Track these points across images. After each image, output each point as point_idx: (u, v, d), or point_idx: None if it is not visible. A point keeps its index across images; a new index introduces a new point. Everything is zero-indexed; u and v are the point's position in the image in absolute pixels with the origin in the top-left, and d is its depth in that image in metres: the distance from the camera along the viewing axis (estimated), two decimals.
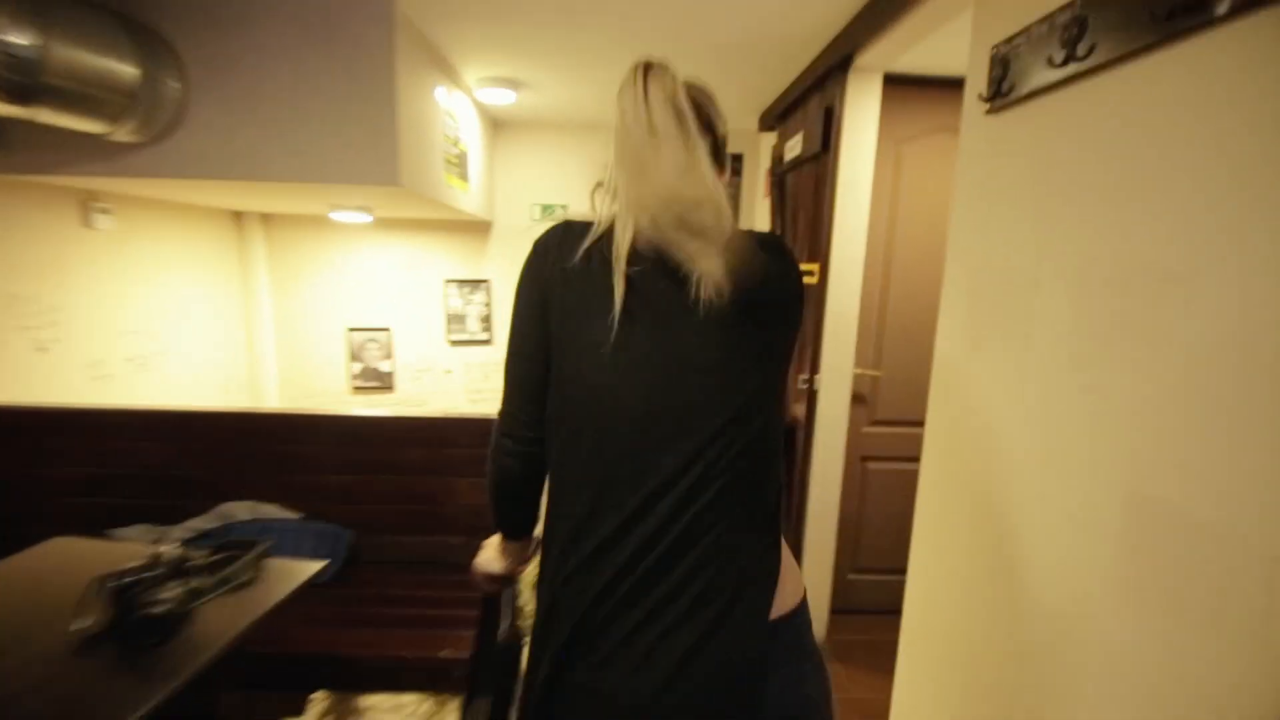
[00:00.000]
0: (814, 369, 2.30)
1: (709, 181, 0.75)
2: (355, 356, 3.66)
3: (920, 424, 1.60)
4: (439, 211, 2.95)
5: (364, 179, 1.93)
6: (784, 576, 0.79)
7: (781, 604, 0.78)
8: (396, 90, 1.90)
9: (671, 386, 0.75)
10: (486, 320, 3.61)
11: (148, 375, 2.83)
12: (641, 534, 0.73)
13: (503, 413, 0.87)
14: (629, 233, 0.76)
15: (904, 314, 2.47)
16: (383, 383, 3.67)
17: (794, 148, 2.54)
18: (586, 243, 0.79)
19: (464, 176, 2.84)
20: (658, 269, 0.75)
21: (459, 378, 3.67)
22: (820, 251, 2.26)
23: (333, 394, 3.70)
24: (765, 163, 3.30)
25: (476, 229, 3.56)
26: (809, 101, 2.44)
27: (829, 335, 2.28)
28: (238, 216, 3.46)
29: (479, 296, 3.60)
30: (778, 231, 2.80)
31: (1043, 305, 1.06)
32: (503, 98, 2.80)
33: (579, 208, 3.73)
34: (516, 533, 0.97)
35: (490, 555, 1.02)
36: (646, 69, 0.77)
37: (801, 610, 0.82)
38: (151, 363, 2.85)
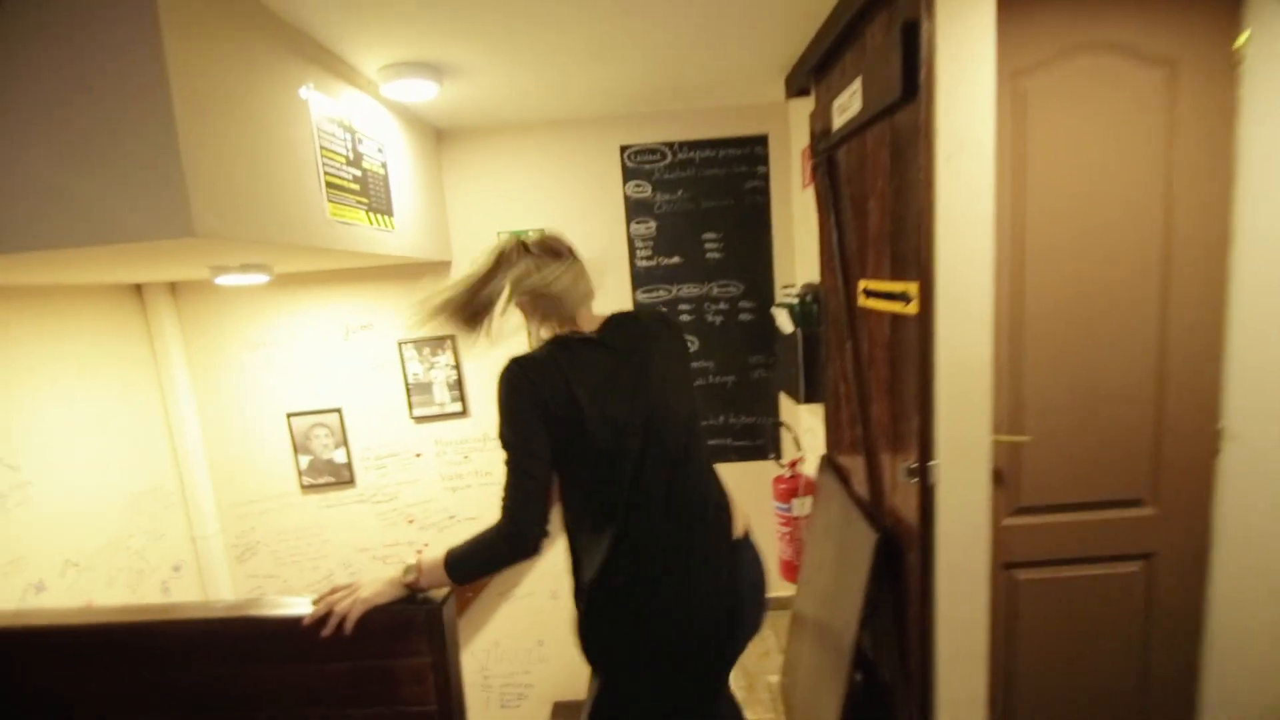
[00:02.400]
0: (924, 449, 1.43)
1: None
2: (301, 448, 2.91)
3: (1104, 505, 0.90)
4: (354, 260, 2.17)
5: (138, 233, 1.15)
6: (738, 512, 1.37)
7: (740, 527, 1.35)
8: (171, 91, 1.12)
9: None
10: (457, 387, 2.82)
11: (2, 520, 2.11)
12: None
13: (534, 509, 1.12)
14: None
15: (1054, 344, 1.57)
16: (337, 477, 2.91)
17: (848, 106, 1.68)
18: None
19: (380, 209, 2.05)
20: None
21: (431, 461, 2.89)
22: (915, 261, 1.39)
23: (280, 497, 2.95)
24: (801, 142, 2.43)
25: (431, 272, 2.78)
26: (868, 28, 1.57)
27: (945, 394, 1.40)
28: (137, 290, 2.75)
29: (443, 358, 2.81)
30: (832, 237, 1.93)
31: None
32: (422, 92, 2.01)
33: (557, 228, 2.93)
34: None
35: (386, 591, 1.15)
36: (523, 246, 1.28)
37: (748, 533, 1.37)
38: (7, 504, 2.13)
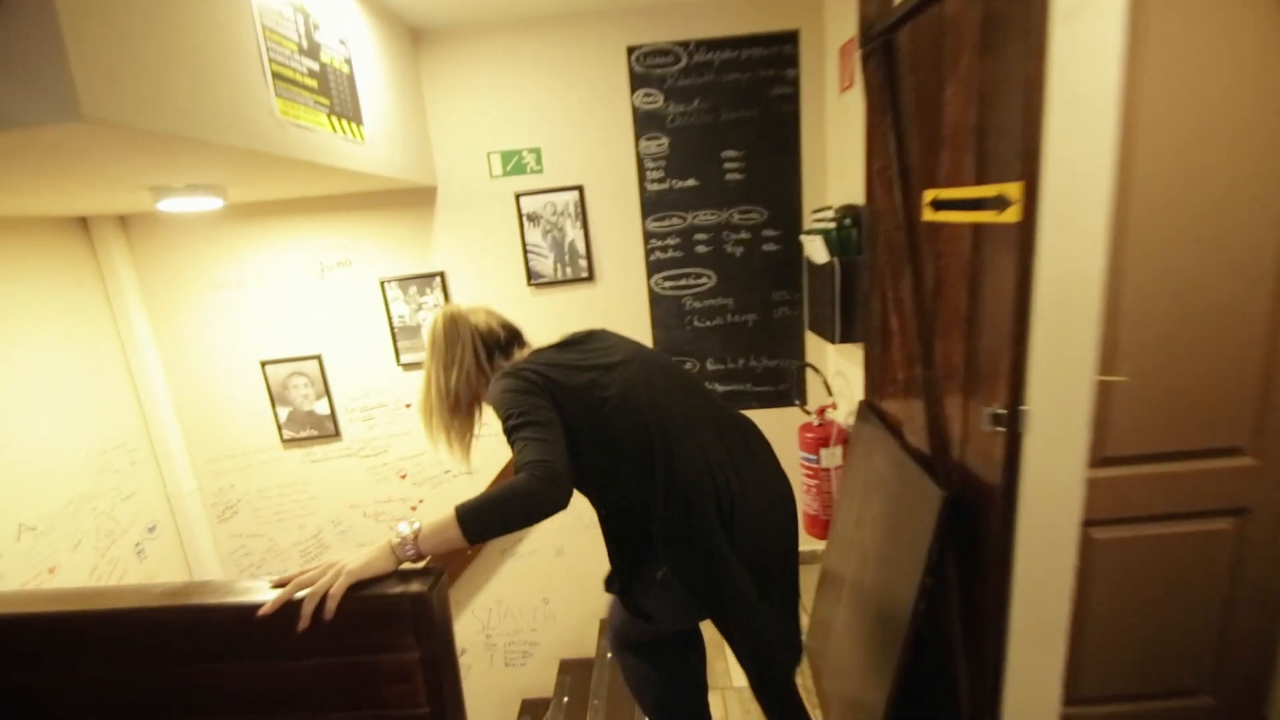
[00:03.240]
0: (1014, 390, 1.17)
1: None
2: (279, 399, 2.65)
3: (1197, 454, 1.00)
4: (319, 179, 1.85)
5: (9, 118, 0.84)
6: None
7: None
8: None
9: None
10: None
11: None
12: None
13: (556, 464, 1.04)
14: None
15: (1158, 265, 1.30)
16: (320, 430, 2.67)
17: None
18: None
19: (346, 114, 1.72)
20: None
21: None
22: (1015, 155, 1.10)
23: (260, 452, 2.71)
24: (839, 36, 2.08)
25: (414, 201, 2.46)
26: None
27: (1043, 323, 1.14)
28: (83, 224, 2.43)
29: (431, 297, 2.52)
30: (888, 141, 1.62)
31: None
32: None
33: (555, 148, 2.60)
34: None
35: (377, 561, 0.95)
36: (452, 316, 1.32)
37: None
38: None
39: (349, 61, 1.75)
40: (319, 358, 2.60)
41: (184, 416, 2.68)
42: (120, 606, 0.98)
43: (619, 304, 2.47)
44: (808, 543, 2.51)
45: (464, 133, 2.38)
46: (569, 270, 2.44)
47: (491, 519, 1.00)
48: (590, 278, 2.45)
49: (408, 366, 2.60)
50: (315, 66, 1.56)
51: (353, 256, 2.52)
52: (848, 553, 1.90)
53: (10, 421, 2.10)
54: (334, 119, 1.65)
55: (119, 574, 2.42)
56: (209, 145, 1.16)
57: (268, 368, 2.62)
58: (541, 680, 2.87)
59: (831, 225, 2.07)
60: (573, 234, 2.41)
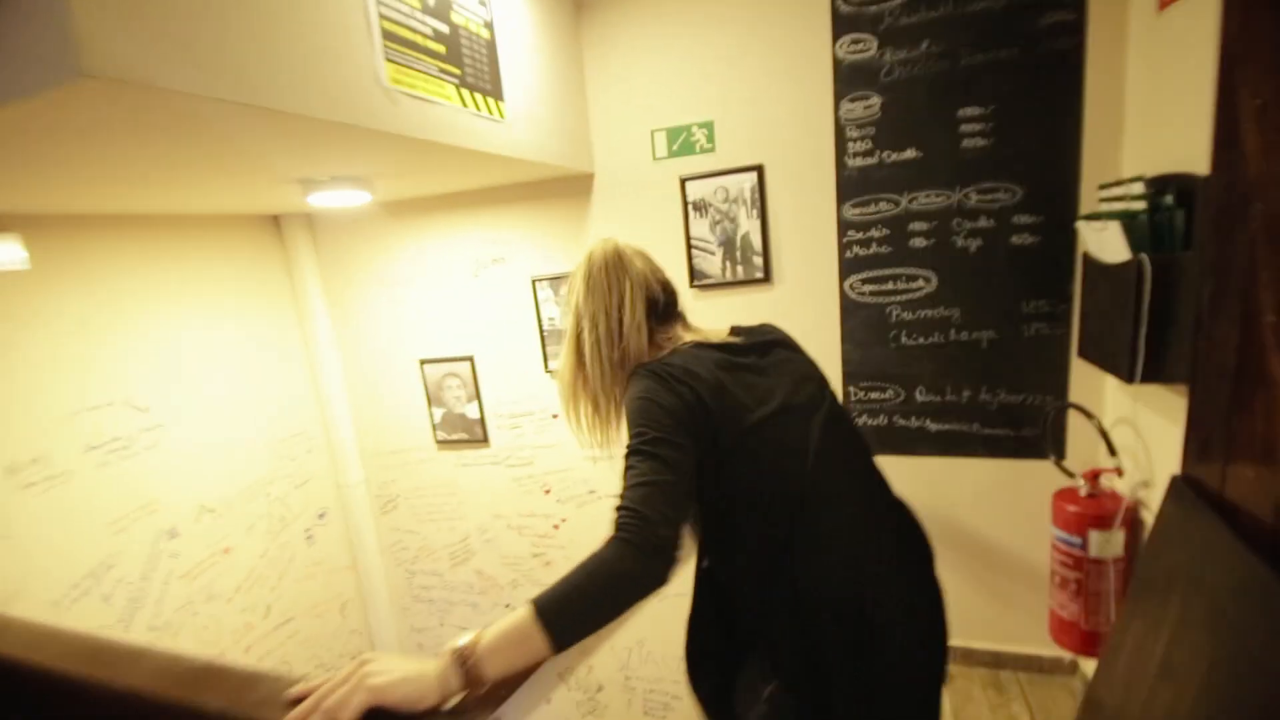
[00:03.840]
0: None
1: None
2: (435, 399, 2.58)
3: None
4: (448, 163, 1.62)
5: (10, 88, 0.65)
6: None
7: None
8: None
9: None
10: None
11: (132, 465, 2.01)
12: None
13: (659, 523, 0.79)
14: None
15: None
16: (471, 434, 2.55)
17: None
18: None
19: (481, 87, 1.46)
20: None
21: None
22: None
23: (417, 450, 2.68)
24: None
25: (570, 191, 2.19)
26: None
27: None
28: (275, 222, 2.55)
29: None
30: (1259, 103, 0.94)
31: None
32: None
33: (730, 121, 2.16)
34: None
35: (411, 681, 0.69)
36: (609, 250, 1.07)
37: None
38: (135, 447, 2.02)
39: (489, 25, 1.49)
40: (471, 359, 2.47)
41: (355, 410, 2.74)
42: (120, 685, 0.76)
43: (800, 311, 1.98)
44: (1035, 643, 1.82)
45: (625, 108, 2.06)
46: (740, 270, 2.00)
47: (576, 613, 0.75)
48: (766, 278, 1.99)
49: (556, 374, 2.36)
50: (444, 28, 1.31)
51: (506, 253, 2.33)
52: (1144, 688, 1.22)
53: (200, 407, 2.22)
54: (465, 92, 1.39)
55: (287, 558, 2.51)
56: (283, 115, 0.93)
57: (425, 366, 2.56)
58: None
59: (1138, 206, 1.38)
60: (747, 225, 1.97)
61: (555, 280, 2.27)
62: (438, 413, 2.58)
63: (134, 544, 2.01)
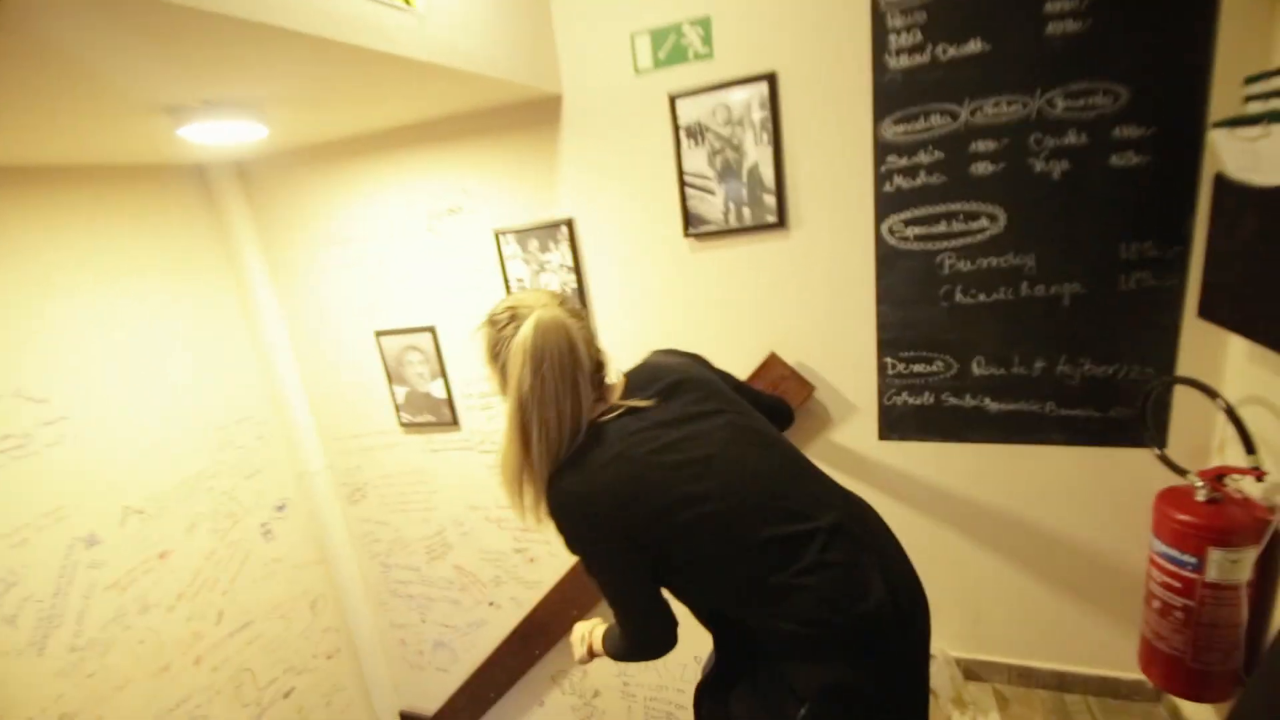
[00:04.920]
0: None
1: None
2: (396, 376, 2.23)
3: None
4: (353, 86, 1.20)
5: None
6: None
7: None
8: None
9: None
10: (578, 298, 1.86)
11: (29, 466, 1.70)
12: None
13: (657, 634, 1.08)
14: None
15: None
16: (438, 416, 2.20)
17: None
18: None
19: None
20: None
21: None
22: None
23: (382, 434, 2.35)
24: None
25: (533, 119, 1.76)
26: None
27: None
28: (200, 174, 2.16)
29: (556, 255, 1.85)
30: None
31: None
32: None
33: (732, 14, 1.68)
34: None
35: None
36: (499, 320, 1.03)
37: None
38: (32, 445, 1.71)
39: None
40: (433, 330, 2.10)
41: (310, 390, 2.40)
42: None
43: (824, 265, 1.57)
44: (1119, 668, 1.48)
45: (597, 4, 1.60)
46: (748, 213, 1.58)
47: (615, 653, 1.21)
48: (780, 223, 1.57)
49: (497, 456, 1.98)
50: None
51: (464, 201, 1.93)
52: None
53: (117, 394, 1.90)
54: None
55: (241, 558, 2.23)
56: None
57: (383, 339, 2.20)
58: None
59: None
60: (755, 155, 1.54)
61: (522, 233, 1.86)
62: (400, 392, 2.23)
63: (40, 556, 1.72)
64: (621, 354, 1.84)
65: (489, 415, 2.13)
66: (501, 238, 1.89)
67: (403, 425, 2.28)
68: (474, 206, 1.91)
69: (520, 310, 0.99)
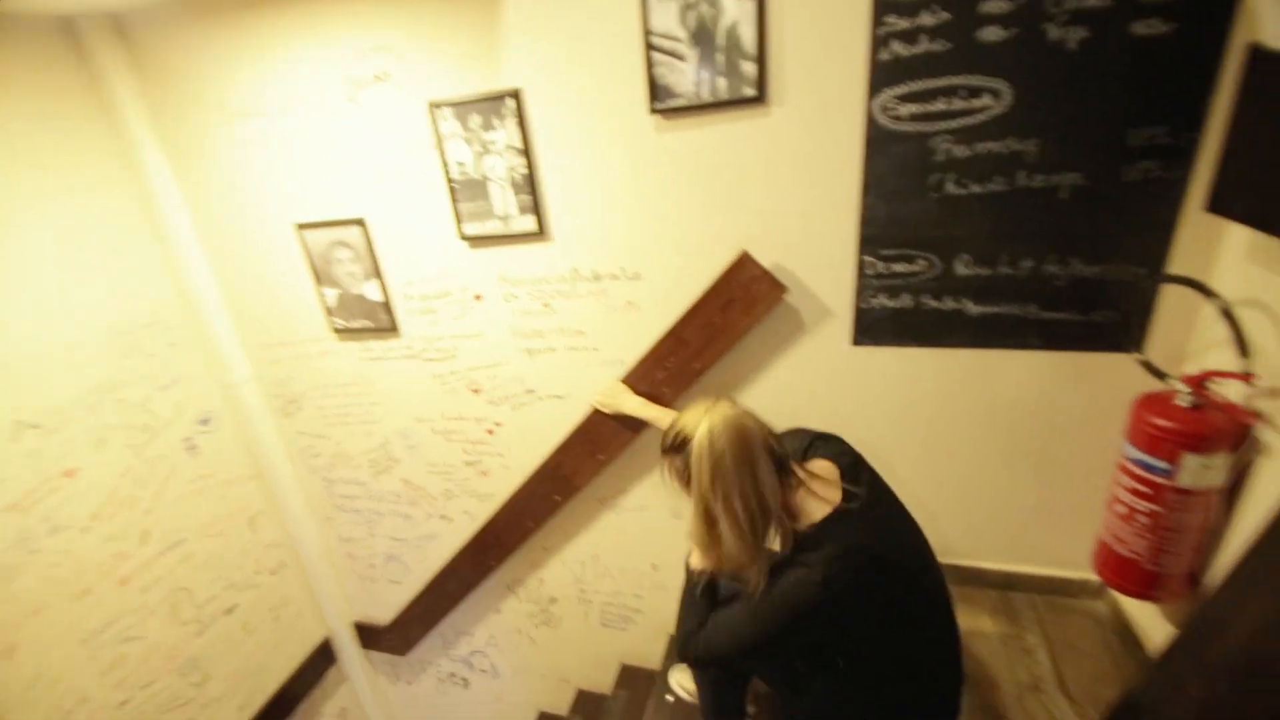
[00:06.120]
0: None
1: None
2: (324, 276, 2.00)
3: None
4: None
5: None
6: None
7: None
8: None
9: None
10: (527, 188, 1.64)
11: None
12: None
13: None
14: None
15: None
16: (375, 320, 2.00)
17: None
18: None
19: None
20: None
21: (496, 307, 1.85)
22: None
23: (314, 341, 2.14)
24: None
25: None
26: None
27: None
28: (68, 29, 1.77)
29: (501, 134, 1.61)
30: None
31: None
32: None
33: None
34: None
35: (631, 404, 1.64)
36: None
37: None
38: None
39: None
40: (362, 223, 1.86)
41: (226, 291, 2.15)
42: None
43: (807, 149, 1.40)
44: (1064, 566, 1.51)
45: None
46: (723, 84, 1.38)
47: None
48: (759, 98, 1.37)
49: (475, 241, 1.78)
50: None
51: (391, 66, 1.64)
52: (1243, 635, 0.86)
53: None
54: None
55: (163, 475, 2.05)
56: None
57: (306, 233, 1.94)
58: (645, 650, 2.26)
59: None
60: (735, 11, 1.31)
61: (461, 106, 1.60)
62: (330, 294, 2.01)
63: None
64: (578, 250, 1.67)
65: (432, 320, 1.94)
66: (437, 111, 1.62)
67: (336, 331, 2.07)
68: (403, 72, 1.63)
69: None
